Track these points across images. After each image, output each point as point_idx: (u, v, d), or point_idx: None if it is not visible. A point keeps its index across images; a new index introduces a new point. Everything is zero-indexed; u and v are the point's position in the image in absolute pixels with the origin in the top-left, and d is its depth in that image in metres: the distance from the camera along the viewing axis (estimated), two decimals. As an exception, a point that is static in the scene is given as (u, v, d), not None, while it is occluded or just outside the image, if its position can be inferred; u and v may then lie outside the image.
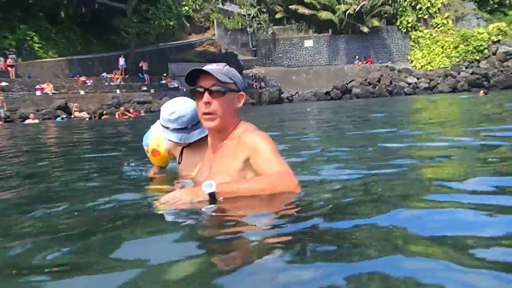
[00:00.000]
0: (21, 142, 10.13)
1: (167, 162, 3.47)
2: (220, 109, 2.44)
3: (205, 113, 2.46)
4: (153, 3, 40.10)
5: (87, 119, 25.57)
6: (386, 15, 50.69)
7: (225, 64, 2.56)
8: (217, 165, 2.49)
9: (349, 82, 43.82)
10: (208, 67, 2.47)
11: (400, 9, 50.58)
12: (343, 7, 48.28)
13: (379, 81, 43.95)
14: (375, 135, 6.76)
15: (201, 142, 2.97)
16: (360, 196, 2.44)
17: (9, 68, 30.21)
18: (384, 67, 47.79)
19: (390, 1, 50.43)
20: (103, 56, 37.91)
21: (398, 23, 51.01)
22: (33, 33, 35.36)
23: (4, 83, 27.83)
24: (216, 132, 2.54)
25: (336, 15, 48.79)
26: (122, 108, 26.55)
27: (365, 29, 49.22)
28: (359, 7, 47.85)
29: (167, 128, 3.01)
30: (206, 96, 2.43)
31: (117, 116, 25.19)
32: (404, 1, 50.49)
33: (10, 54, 31.12)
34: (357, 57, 49.71)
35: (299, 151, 4.77)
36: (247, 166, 2.36)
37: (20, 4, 34.00)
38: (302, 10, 49.51)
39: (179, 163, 3.18)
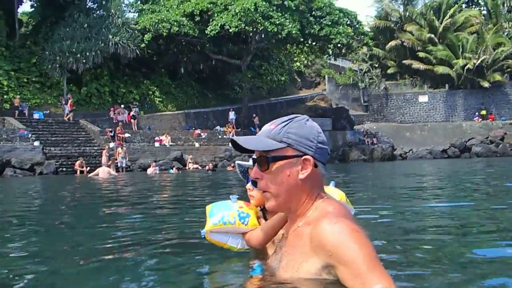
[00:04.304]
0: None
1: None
2: (270, 185, 1.84)
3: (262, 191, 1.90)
4: (266, 59, 41.30)
5: (206, 167, 26.28)
6: (509, 69, 47.74)
7: (287, 120, 1.86)
8: (288, 258, 1.84)
9: (469, 140, 41.37)
10: (247, 139, 1.90)
11: (526, 63, 47.44)
12: (461, 61, 46.28)
13: (502, 139, 41.00)
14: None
15: None
16: None
17: (132, 120, 32.22)
18: (508, 124, 44.54)
19: (514, 55, 47.61)
20: (217, 110, 39.29)
21: (523, 78, 47.75)
22: (155, 88, 37.73)
23: (127, 134, 29.55)
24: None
25: (453, 69, 46.82)
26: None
27: (486, 84, 46.53)
28: (479, 61, 45.58)
29: None
30: (254, 170, 1.88)
31: (229, 168, 25.55)
32: (530, 55, 47.34)
33: (133, 107, 33.29)
34: (476, 113, 46.94)
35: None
36: (326, 273, 1.68)
37: (145, 61, 36.54)
38: (416, 65, 48.23)
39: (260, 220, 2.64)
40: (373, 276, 1.54)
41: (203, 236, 2.63)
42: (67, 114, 29.95)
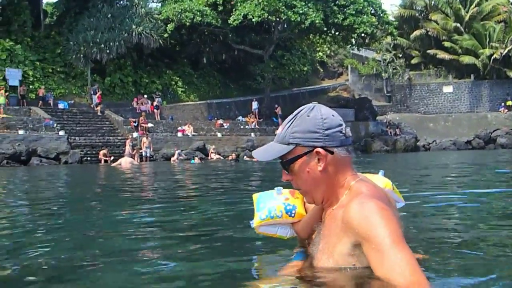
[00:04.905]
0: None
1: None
2: (300, 184, 1.92)
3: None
4: (288, 49, 41.04)
5: (229, 158, 26.43)
6: (536, 59, 46.71)
7: (291, 119, 1.88)
8: (324, 240, 1.88)
9: (494, 131, 40.77)
10: (260, 150, 1.99)
11: (554, 53, 46.30)
12: (487, 51, 45.38)
13: (528, 130, 40.31)
14: None
15: None
16: None
17: (155, 110, 32.41)
18: (534, 115, 43.71)
19: (541, 44, 46.52)
20: (239, 100, 39.26)
21: (550, 68, 46.58)
22: (177, 78, 37.82)
23: (150, 124, 29.74)
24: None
25: (479, 59, 45.95)
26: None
27: (512, 75, 45.64)
28: (506, 51, 44.63)
29: None
30: (283, 174, 1.96)
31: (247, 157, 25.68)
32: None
33: (156, 97, 33.47)
34: (502, 104, 46.03)
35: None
36: (358, 252, 1.70)
37: (168, 51, 36.65)
38: (441, 55, 47.49)
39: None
40: (396, 251, 1.53)
41: (252, 227, 2.64)
42: (96, 106, 30.22)
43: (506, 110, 45.30)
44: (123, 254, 2.88)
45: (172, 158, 25.50)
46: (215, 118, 35.01)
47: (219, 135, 31.62)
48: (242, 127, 34.20)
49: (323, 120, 1.82)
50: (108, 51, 30.94)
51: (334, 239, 1.78)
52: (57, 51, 32.46)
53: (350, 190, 1.82)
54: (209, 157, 27.95)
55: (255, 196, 2.71)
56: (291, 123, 1.86)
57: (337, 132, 1.83)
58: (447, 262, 2.20)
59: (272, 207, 2.55)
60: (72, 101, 30.82)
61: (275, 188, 2.62)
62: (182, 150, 27.52)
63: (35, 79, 30.40)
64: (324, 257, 1.82)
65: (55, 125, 26.07)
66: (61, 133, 25.45)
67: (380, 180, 2.72)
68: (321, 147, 1.81)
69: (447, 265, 2.16)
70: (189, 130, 30.55)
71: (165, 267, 2.47)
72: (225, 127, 33.15)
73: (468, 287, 1.79)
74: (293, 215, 2.53)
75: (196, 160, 24.79)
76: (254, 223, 2.61)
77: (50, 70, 31.77)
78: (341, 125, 1.85)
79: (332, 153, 1.82)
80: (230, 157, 26.78)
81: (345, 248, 1.72)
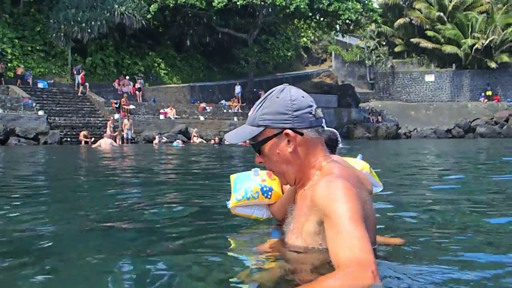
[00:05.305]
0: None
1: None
2: (273, 165, 1.90)
3: None
4: (273, 33, 40.83)
5: (212, 141, 26.33)
6: (517, 50, 47.28)
7: (261, 101, 1.86)
8: (294, 220, 1.88)
9: (473, 120, 41.29)
10: (232, 133, 1.98)
11: (535, 44, 46.88)
12: (469, 41, 45.70)
13: (507, 120, 40.91)
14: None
15: None
16: None
17: (137, 92, 32.03)
18: (513, 105, 44.36)
19: (523, 36, 47.07)
20: (223, 84, 39.06)
21: (531, 59, 47.15)
22: (160, 60, 37.40)
23: (132, 106, 29.39)
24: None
25: (461, 49, 46.28)
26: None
27: (493, 65, 46.02)
28: (487, 41, 45.03)
29: None
30: (256, 156, 1.95)
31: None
32: (539, 36, 46.73)
33: (138, 79, 33.06)
34: (482, 94, 46.57)
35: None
36: (323, 230, 1.68)
37: (151, 33, 36.15)
38: (424, 43, 47.66)
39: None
40: (350, 228, 1.53)
41: (228, 207, 2.58)
42: (78, 87, 29.68)
43: (486, 100, 45.84)
44: (96, 234, 2.80)
45: (154, 142, 25.26)
46: (198, 102, 34.76)
47: (201, 118, 31.43)
48: (225, 111, 34.05)
49: (292, 101, 1.81)
50: (89, 30, 30.36)
51: (303, 218, 1.79)
52: (36, 29, 31.75)
53: (321, 171, 1.81)
54: (191, 141, 27.79)
55: (232, 177, 2.67)
56: (261, 105, 1.85)
57: (307, 114, 1.81)
58: (422, 247, 2.19)
59: (248, 188, 2.53)
60: (52, 81, 30.25)
61: (252, 169, 2.60)
62: (164, 133, 27.31)
63: (14, 57, 29.74)
64: (294, 236, 1.83)
65: (34, 104, 25.60)
66: (41, 113, 25.02)
67: (358, 163, 2.73)
68: (290, 128, 1.80)
69: (421, 250, 2.14)
70: (171, 113, 30.30)
71: (142, 245, 2.42)
72: (208, 110, 32.95)
73: (438, 273, 1.76)
74: (269, 196, 2.51)
75: (179, 143, 24.62)
76: (230, 203, 2.58)
77: (29, 49, 31.08)
78: (311, 106, 1.83)
79: (301, 134, 1.81)
80: (212, 141, 26.67)
81: (312, 227, 1.73)
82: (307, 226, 1.75)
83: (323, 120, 1.89)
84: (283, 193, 2.50)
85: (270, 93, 1.87)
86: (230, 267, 1.92)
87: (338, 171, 1.76)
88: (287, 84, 1.89)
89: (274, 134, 1.81)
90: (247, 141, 1.92)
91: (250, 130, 1.86)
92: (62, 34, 30.19)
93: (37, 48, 31.49)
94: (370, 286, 1.42)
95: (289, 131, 1.79)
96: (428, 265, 1.83)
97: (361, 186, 1.78)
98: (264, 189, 2.52)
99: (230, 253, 2.17)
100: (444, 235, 2.53)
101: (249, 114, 1.92)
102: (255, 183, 2.54)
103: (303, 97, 1.83)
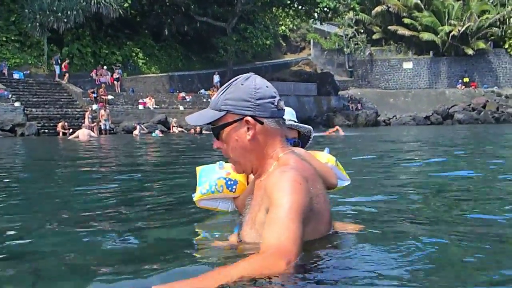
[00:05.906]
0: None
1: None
2: (230, 151, 1.89)
3: None
4: (251, 22, 40.71)
5: (192, 131, 26.31)
6: (493, 37, 47.95)
7: (226, 86, 1.88)
8: (250, 211, 1.90)
9: (451, 107, 41.74)
10: (194, 115, 1.96)
11: (510, 31, 47.55)
12: (446, 28, 46.22)
13: (484, 106, 41.52)
14: None
15: None
16: None
17: (115, 82, 31.71)
18: (490, 92, 45.00)
19: (498, 23, 47.70)
20: (202, 73, 38.83)
21: (506, 46, 47.85)
22: (138, 50, 37.01)
23: (110, 97, 29.11)
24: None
25: (438, 36, 46.77)
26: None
27: (470, 52, 46.68)
28: (464, 28, 45.57)
29: None
30: (214, 141, 1.94)
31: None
32: (514, 23, 47.47)
33: (116, 69, 32.70)
34: (460, 81, 47.19)
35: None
36: None
37: (128, 22, 35.72)
38: (402, 31, 48.03)
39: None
40: (286, 220, 1.55)
41: (194, 200, 2.61)
42: (63, 76, 29.22)
43: (463, 87, 46.50)
44: (71, 224, 2.82)
45: (134, 132, 25.03)
46: (177, 91, 34.53)
47: (181, 108, 31.27)
48: (204, 100, 33.84)
49: (256, 89, 1.82)
50: (65, 20, 29.87)
51: (256, 208, 1.80)
52: (11, 19, 31.10)
53: (278, 162, 1.82)
54: (171, 130, 27.68)
55: (198, 169, 2.68)
56: (225, 90, 1.86)
57: (269, 103, 1.83)
58: (382, 234, 2.20)
59: (213, 181, 2.54)
60: (28, 72, 29.76)
61: (217, 162, 2.60)
62: (143, 123, 27.14)
63: (-12, 48, 29.20)
64: (248, 228, 1.84)
65: (10, 96, 25.21)
66: (17, 104, 24.67)
67: (324, 156, 2.75)
68: (251, 116, 1.80)
69: (379, 236, 2.16)
70: (150, 103, 30.09)
71: (111, 236, 2.42)
72: (187, 100, 32.78)
73: (393, 257, 1.79)
74: (234, 190, 2.53)
75: (158, 133, 24.52)
76: (195, 197, 2.59)
77: (4, 39, 30.48)
78: (274, 97, 1.85)
79: (261, 123, 1.82)
80: (192, 130, 26.62)
81: (263, 216, 1.71)
82: (259, 216, 1.76)
83: (284, 112, 1.91)
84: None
85: (236, 79, 1.88)
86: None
87: (294, 163, 1.77)
88: (253, 73, 1.91)
89: (235, 120, 1.82)
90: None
91: (212, 114, 1.86)
92: (37, 24, 29.64)
93: (12, 38, 30.91)
94: (280, 274, 1.44)
95: (249, 118, 1.80)
96: (381, 251, 1.85)
97: (316, 179, 1.79)
98: (229, 182, 2.53)
99: (187, 251, 2.14)
100: (407, 223, 2.59)
101: (212, 98, 1.93)
102: (220, 177, 2.55)
103: (267, 87, 1.86)
